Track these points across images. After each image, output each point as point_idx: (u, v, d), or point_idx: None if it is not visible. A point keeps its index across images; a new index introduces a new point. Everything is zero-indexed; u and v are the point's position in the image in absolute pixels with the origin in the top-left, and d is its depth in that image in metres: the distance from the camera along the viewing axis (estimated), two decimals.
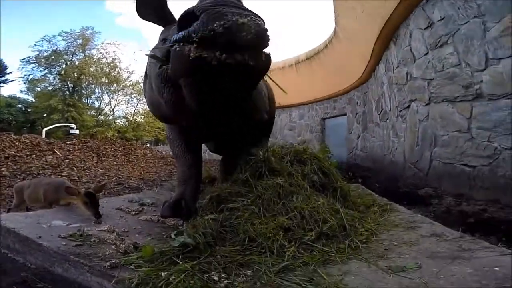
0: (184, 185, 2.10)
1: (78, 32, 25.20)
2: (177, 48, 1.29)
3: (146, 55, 1.71)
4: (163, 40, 1.73)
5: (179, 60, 1.32)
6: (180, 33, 1.31)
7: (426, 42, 3.98)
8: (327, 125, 10.34)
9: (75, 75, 24.67)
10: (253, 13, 1.34)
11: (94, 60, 25.96)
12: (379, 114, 6.46)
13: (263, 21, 1.36)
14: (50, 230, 1.64)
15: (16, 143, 6.42)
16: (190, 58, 1.24)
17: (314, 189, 1.92)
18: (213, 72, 1.29)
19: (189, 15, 1.28)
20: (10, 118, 24.33)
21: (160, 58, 1.58)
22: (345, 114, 9.19)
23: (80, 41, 25.22)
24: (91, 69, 25.33)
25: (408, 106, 4.58)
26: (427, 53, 3.99)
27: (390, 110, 5.61)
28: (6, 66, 30.94)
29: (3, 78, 31.02)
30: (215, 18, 1.22)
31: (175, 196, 2.06)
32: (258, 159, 1.99)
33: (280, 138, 11.63)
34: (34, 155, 6.05)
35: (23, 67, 24.42)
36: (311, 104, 10.90)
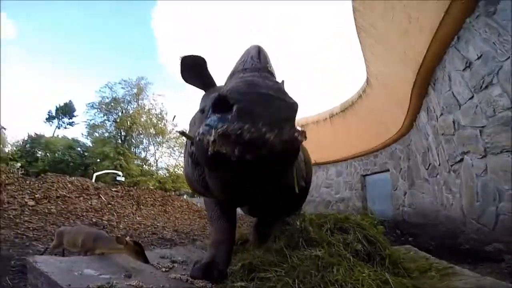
0: (217, 248, 2.03)
1: (135, 82, 27.58)
2: (198, 138, 1.22)
3: (177, 132, 1.74)
4: (201, 110, 1.70)
5: (199, 151, 1.26)
6: (213, 118, 1.20)
7: (469, 85, 3.71)
8: (368, 182, 9.65)
9: (128, 124, 26.92)
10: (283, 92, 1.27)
11: (145, 110, 28.14)
12: (427, 169, 5.91)
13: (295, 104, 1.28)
14: (80, 278, 1.64)
15: (69, 185, 7.05)
16: (209, 153, 1.16)
17: (358, 259, 1.70)
18: (234, 166, 1.18)
19: (222, 101, 1.21)
20: (69, 159, 27.20)
21: (190, 137, 1.57)
22: (387, 170, 8.54)
23: (135, 90, 27.53)
24: (142, 119, 27.53)
25: (461, 160, 4.13)
26: (472, 97, 3.68)
27: (439, 165, 5.11)
28: (74, 109, 35.95)
29: (70, 121, 35.93)
30: (247, 119, 1.13)
31: (207, 258, 1.98)
32: (294, 228, 1.89)
33: (317, 195, 11.11)
34: (81, 198, 6.53)
35: (87, 112, 27.12)
36: (349, 160, 10.40)
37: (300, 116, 11.65)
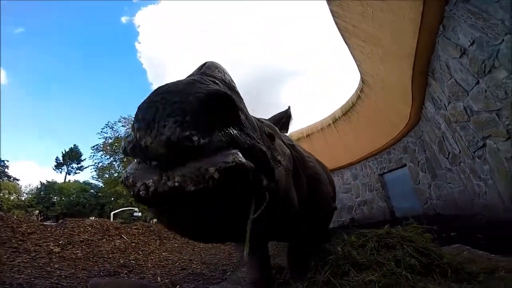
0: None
1: (133, 118, 27.83)
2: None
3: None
4: None
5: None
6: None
7: (470, 71, 3.74)
8: (387, 180, 9.44)
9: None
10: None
11: None
12: (447, 158, 5.80)
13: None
14: None
15: (89, 228, 7.04)
16: (123, 184, 0.91)
17: (415, 274, 1.60)
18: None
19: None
20: (85, 201, 27.78)
21: None
22: (404, 165, 8.40)
23: None
24: None
25: (483, 145, 4.05)
26: (478, 82, 3.70)
27: (460, 152, 5.01)
28: (81, 153, 36.69)
29: (79, 165, 36.68)
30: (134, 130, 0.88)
31: None
32: (338, 256, 1.80)
33: (337, 202, 10.90)
34: (104, 240, 6.49)
35: (93, 155, 26.81)
36: (362, 161, 10.29)
37: (303, 126, 11.69)
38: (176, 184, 0.76)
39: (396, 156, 8.66)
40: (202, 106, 0.83)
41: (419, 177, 7.70)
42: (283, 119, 2.31)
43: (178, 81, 0.96)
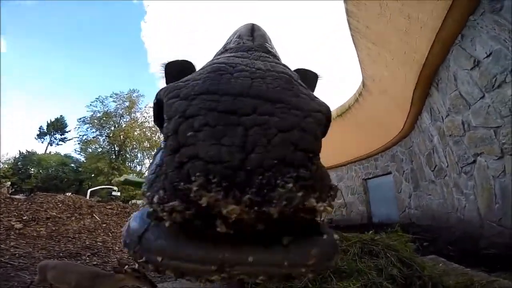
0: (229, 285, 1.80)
1: (126, 94, 26.95)
2: None
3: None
4: None
5: None
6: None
7: (478, 84, 3.61)
8: (370, 185, 9.49)
9: (121, 138, 26.00)
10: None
11: (138, 123, 27.23)
12: (432, 171, 5.76)
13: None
14: None
15: (59, 205, 6.66)
16: None
17: (395, 285, 1.49)
18: None
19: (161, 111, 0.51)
20: (63, 175, 26.66)
21: None
22: (389, 173, 8.43)
23: (127, 103, 26.87)
24: (135, 133, 26.55)
25: (474, 161, 3.97)
26: (483, 96, 3.58)
27: (447, 166, 4.95)
28: (66, 124, 35.32)
29: (63, 137, 35.33)
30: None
31: None
32: None
33: None
34: (73, 218, 6.15)
35: (79, 127, 26.40)
36: (349, 164, 10.32)
37: None
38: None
39: (383, 163, 8.66)
40: (321, 136, 0.48)
41: (401, 186, 7.73)
42: None
43: (274, 64, 0.54)
